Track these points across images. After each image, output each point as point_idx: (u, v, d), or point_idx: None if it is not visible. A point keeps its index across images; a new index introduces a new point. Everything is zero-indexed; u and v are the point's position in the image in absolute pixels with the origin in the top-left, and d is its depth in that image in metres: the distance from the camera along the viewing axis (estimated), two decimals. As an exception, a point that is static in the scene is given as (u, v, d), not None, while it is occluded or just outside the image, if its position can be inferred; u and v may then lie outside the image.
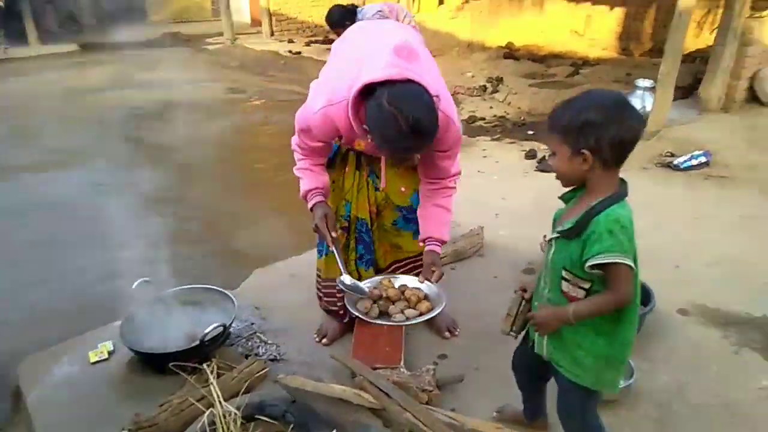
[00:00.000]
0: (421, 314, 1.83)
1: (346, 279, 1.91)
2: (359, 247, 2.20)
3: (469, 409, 1.99)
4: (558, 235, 1.42)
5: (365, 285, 1.94)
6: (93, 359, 2.13)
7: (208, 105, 7.15)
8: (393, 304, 1.89)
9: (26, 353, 2.25)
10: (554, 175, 1.41)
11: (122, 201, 4.22)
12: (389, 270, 2.30)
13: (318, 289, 2.36)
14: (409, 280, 1.99)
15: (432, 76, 1.69)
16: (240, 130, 6.05)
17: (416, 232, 2.20)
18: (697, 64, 7.07)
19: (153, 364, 2.04)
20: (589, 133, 1.29)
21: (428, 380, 2.04)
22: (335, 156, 2.16)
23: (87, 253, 3.44)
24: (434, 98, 1.57)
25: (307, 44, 10.66)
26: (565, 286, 1.41)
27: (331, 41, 10.82)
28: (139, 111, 6.84)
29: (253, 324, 2.44)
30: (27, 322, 2.77)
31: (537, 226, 3.13)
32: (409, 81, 1.53)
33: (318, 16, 12.32)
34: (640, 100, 5.16)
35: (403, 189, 2.15)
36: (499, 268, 2.93)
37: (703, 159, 4.34)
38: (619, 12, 9.67)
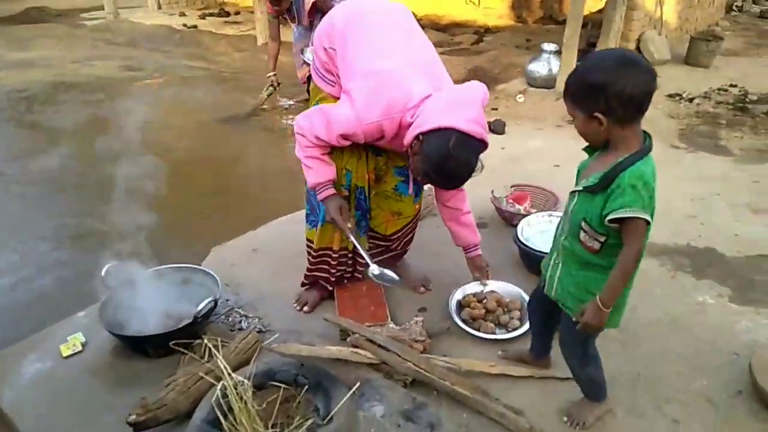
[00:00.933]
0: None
1: (375, 269, 2.10)
2: (357, 214, 2.22)
3: (458, 354, 2.12)
4: (582, 188, 1.46)
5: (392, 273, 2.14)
6: (66, 353, 1.98)
7: (105, 84, 6.57)
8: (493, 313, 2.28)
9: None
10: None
11: (35, 189, 3.86)
12: (392, 238, 2.39)
13: (309, 259, 2.35)
14: (474, 287, 2.41)
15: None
16: (149, 109, 5.65)
17: (416, 195, 2.31)
18: (588, 29, 7.63)
19: (141, 348, 1.94)
20: (596, 95, 1.31)
21: (419, 331, 2.14)
22: None
23: (13, 248, 3.12)
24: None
25: (202, 17, 10.09)
26: (582, 236, 1.49)
27: (227, 14, 10.44)
28: (24, 93, 6.14)
29: (228, 300, 2.38)
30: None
31: (483, 183, 3.34)
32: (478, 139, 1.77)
33: (208, -13, 11.67)
34: (547, 63, 5.53)
35: (402, 150, 2.13)
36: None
37: (608, 114, 4.77)
38: (509, -19, 10.11)
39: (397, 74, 1.85)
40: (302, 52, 4.83)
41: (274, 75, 4.91)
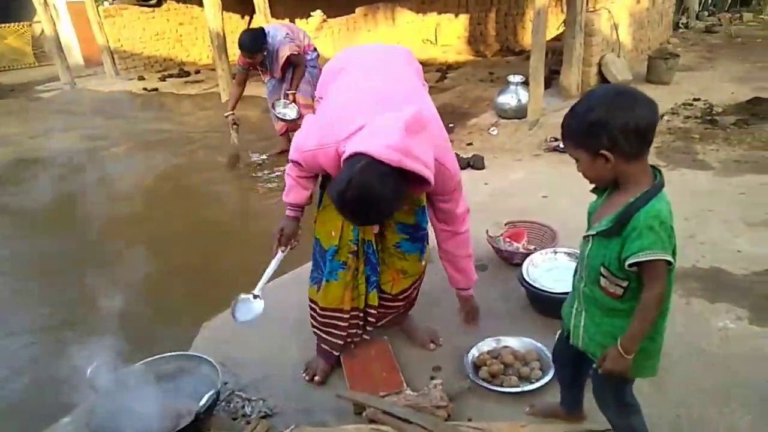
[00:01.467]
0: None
1: (246, 296, 2.11)
2: (366, 269, 2.10)
3: (483, 416, 1.98)
4: (596, 233, 1.40)
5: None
6: (53, 470, 1.76)
7: (69, 158, 6.35)
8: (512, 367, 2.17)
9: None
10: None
11: (2, 278, 3.60)
12: (399, 298, 2.25)
13: (315, 324, 2.19)
14: (488, 344, 2.31)
15: (432, 134, 1.73)
16: (118, 180, 5.46)
17: (422, 252, 2.20)
18: (549, 57, 7.81)
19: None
20: (600, 132, 1.27)
21: (439, 396, 1.99)
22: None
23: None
24: (398, 188, 1.58)
25: (162, 79, 10.01)
26: (603, 282, 1.42)
27: (187, 74, 10.39)
28: (-17, 175, 5.89)
29: (227, 383, 2.19)
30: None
31: (475, 222, 3.26)
32: (394, 168, 1.53)
33: (165, 49, 11.65)
34: (515, 94, 5.58)
35: (405, 207, 2.05)
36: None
37: (583, 139, 4.79)
38: (463, 19, 10.44)
39: (339, 105, 1.84)
40: (273, 106, 4.78)
41: (232, 113, 4.85)
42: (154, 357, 2.02)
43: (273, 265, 2.07)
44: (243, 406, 2.06)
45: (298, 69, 4.51)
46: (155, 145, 6.55)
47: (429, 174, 1.59)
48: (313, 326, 2.22)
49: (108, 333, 2.76)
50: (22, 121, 8.69)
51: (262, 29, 4.42)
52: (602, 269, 1.40)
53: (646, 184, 1.32)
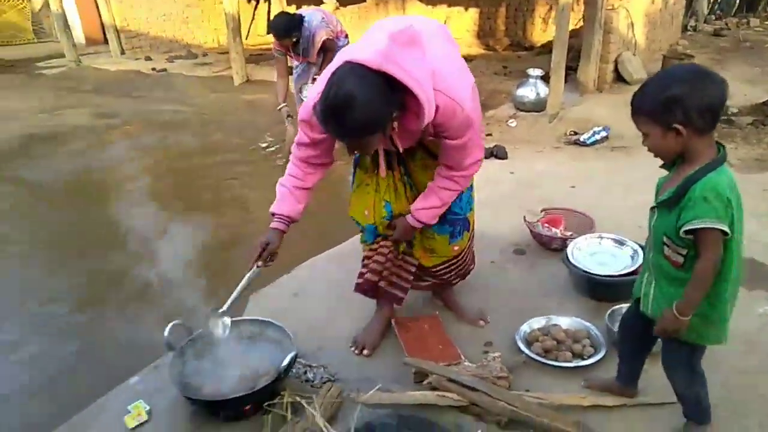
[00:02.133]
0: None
1: (215, 314, 1.92)
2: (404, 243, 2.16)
3: (539, 389, 2.04)
4: (658, 204, 1.50)
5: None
6: (132, 424, 1.79)
7: (81, 134, 6.32)
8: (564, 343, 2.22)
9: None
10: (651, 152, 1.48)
11: (35, 249, 3.60)
12: (431, 271, 2.30)
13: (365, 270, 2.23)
14: (538, 321, 2.35)
15: (433, 64, 1.64)
16: (136, 157, 5.44)
17: (451, 235, 2.21)
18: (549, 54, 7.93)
19: (222, 410, 1.77)
20: (676, 107, 1.34)
21: (499, 367, 2.05)
22: (367, 158, 2.09)
23: (28, 314, 2.87)
24: (379, 93, 1.51)
25: (170, 60, 9.93)
26: (666, 251, 1.50)
27: (195, 56, 10.31)
28: (-6, 148, 5.83)
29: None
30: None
31: (507, 210, 3.33)
32: (376, 72, 1.50)
33: (171, 30, 11.56)
34: (534, 88, 5.65)
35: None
36: (491, 254, 3.01)
37: (603, 134, 4.89)
38: (473, 12, 10.49)
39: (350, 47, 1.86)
40: (301, 90, 4.79)
41: (285, 105, 4.79)
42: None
43: (244, 282, 1.93)
44: (305, 372, 2.10)
45: (329, 54, 4.52)
46: (169, 126, 6.52)
47: (414, 85, 1.53)
48: (370, 271, 2.22)
49: (153, 299, 2.82)
50: (27, 96, 8.59)
51: (297, 13, 4.42)
52: (665, 238, 1.49)
53: (709, 158, 1.40)
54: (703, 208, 1.35)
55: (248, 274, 1.93)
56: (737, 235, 1.42)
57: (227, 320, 1.92)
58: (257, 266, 1.94)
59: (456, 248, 2.25)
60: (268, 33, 12.36)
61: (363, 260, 2.26)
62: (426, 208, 2.00)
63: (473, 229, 2.35)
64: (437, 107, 1.65)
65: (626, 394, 1.97)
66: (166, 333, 1.83)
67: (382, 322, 2.34)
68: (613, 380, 1.99)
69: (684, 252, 1.46)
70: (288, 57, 4.59)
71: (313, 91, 1.77)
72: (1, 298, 3.04)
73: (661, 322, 1.52)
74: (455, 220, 2.18)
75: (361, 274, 2.24)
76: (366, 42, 1.73)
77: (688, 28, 9.33)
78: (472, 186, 2.23)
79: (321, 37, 4.31)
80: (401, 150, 1.87)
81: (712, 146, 1.42)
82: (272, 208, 1.98)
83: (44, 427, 1.90)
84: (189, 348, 1.90)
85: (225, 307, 1.92)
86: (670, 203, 1.44)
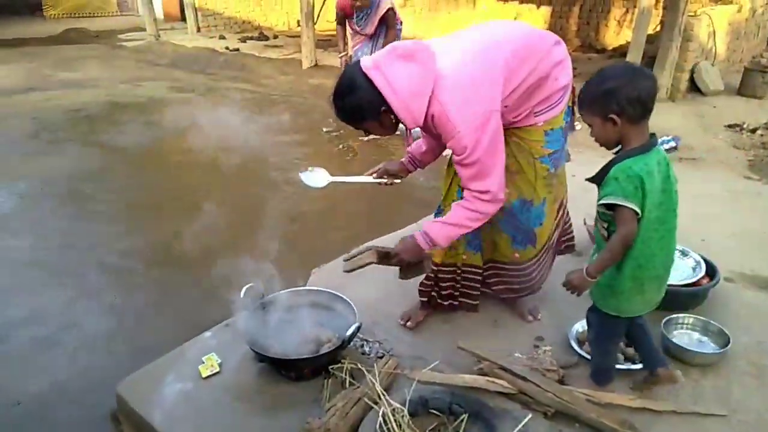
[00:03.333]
0: None
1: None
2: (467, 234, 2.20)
3: (588, 386, 2.08)
4: (587, 180, 1.70)
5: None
6: (205, 373, 1.96)
7: (159, 104, 6.69)
8: None
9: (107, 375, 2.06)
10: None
11: (114, 208, 3.89)
12: (486, 266, 2.33)
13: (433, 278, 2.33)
14: None
15: (442, 77, 1.79)
16: (212, 130, 5.71)
17: (514, 239, 2.21)
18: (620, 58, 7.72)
19: (288, 370, 1.92)
20: (612, 99, 1.54)
21: (549, 361, 2.11)
22: None
23: (105, 267, 3.14)
24: (365, 90, 1.77)
25: (242, 41, 10.29)
26: (598, 224, 1.72)
27: (266, 38, 10.63)
28: (83, 113, 6.26)
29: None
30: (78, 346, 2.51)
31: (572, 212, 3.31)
32: (363, 74, 1.77)
33: (245, 11, 11.93)
34: (604, 92, 5.55)
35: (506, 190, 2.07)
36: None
37: (672, 143, 4.77)
38: (544, 11, 10.30)
39: None
40: None
41: (346, 53, 4.98)
42: (296, 288, 2.21)
43: (356, 178, 2.29)
44: (362, 345, 2.22)
45: (391, 31, 4.62)
46: (239, 103, 6.80)
47: (385, 86, 1.75)
48: (433, 287, 2.35)
49: (222, 264, 3.01)
50: (110, 66, 9.12)
51: None
52: (596, 213, 1.71)
53: (639, 144, 1.58)
54: (613, 186, 1.56)
55: (362, 176, 2.29)
56: (648, 215, 1.58)
57: (323, 173, 2.27)
58: (372, 176, 2.27)
59: (517, 255, 2.25)
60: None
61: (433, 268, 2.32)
62: (439, 222, 1.97)
63: (545, 249, 2.31)
64: (432, 115, 1.80)
65: (664, 379, 1.91)
66: (241, 294, 1.99)
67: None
68: (646, 373, 1.97)
69: (605, 226, 1.67)
70: (347, 28, 4.74)
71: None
72: (86, 250, 3.32)
73: (571, 274, 1.74)
74: (518, 226, 2.18)
75: (427, 291, 2.35)
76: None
77: (775, 40, 8.86)
78: (545, 200, 2.18)
79: (385, 5, 4.42)
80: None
81: (644, 134, 1.59)
82: (408, 148, 2.26)
83: (124, 370, 2.10)
84: (261, 309, 2.05)
85: (333, 177, 2.29)
86: (594, 181, 1.65)
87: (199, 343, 2.16)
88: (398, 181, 2.31)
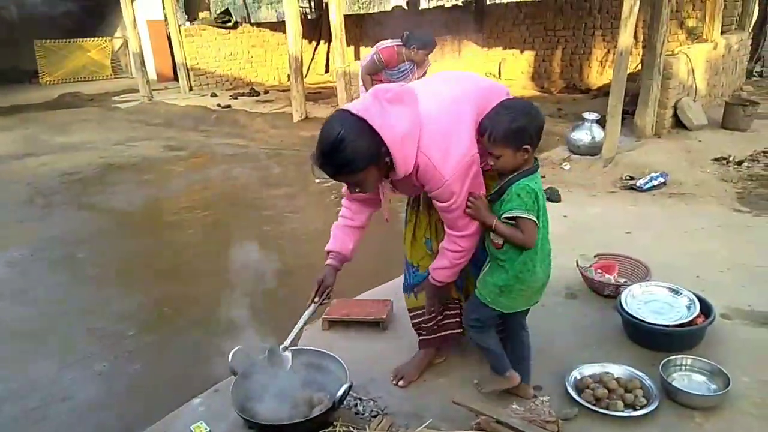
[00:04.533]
0: None
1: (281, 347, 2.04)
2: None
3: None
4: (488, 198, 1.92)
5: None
6: (194, 445, 1.91)
7: (152, 164, 6.77)
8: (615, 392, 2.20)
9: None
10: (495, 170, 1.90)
11: (107, 272, 3.87)
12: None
13: (423, 326, 2.35)
14: (591, 368, 2.33)
15: (426, 124, 1.79)
16: (202, 188, 5.77)
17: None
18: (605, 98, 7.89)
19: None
20: (525, 133, 1.79)
21: (547, 411, 2.06)
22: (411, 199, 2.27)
23: (96, 333, 3.09)
24: (357, 133, 1.68)
25: (234, 97, 10.49)
26: (491, 235, 1.94)
27: (257, 93, 10.87)
28: (77, 176, 6.32)
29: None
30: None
31: (558, 254, 3.32)
32: (353, 116, 1.71)
33: (236, 69, 12.23)
34: (589, 131, 5.65)
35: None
36: (543, 297, 2.99)
37: (661, 180, 4.81)
38: (528, 55, 10.61)
39: None
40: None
41: None
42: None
43: (305, 316, 2.07)
44: (355, 404, 2.17)
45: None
46: (232, 159, 6.89)
47: (383, 128, 1.67)
48: (420, 329, 2.35)
49: (213, 327, 2.96)
50: (104, 128, 9.28)
51: None
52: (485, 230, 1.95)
53: (528, 167, 1.85)
54: (517, 201, 1.83)
55: (307, 311, 2.07)
56: (542, 226, 1.90)
57: (288, 355, 2.02)
58: (315, 302, 2.09)
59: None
60: (326, 72, 12.88)
61: (410, 314, 2.39)
62: (439, 267, 2.06)
63: None
64: (417, 165, 1.78)
65: (519, 388, 2.18)
66: (230, 358, 1.96)
67: (423, 358, 2.41)
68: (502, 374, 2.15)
69: (501, 240, 1.91)
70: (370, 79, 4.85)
71: None
72: (76, 316, 3.28)
73: (479, 212, 1.88)
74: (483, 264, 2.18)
75: (419, 333, 2.40)
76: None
77: (754, 73, 9.11)
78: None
79: (429, 62, 4.69)
80: (401, 193, 2.06)
81: (532, 158, 1.87)
82: (326, 246, 2.16)
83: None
84: (249, 373, 2.01)
85: (286, 343, 2.04)
86: (494, 197, 1.89)
87: (188, 411, 2.11)
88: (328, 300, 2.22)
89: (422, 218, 2.22)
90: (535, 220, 1.85)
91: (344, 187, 2.12)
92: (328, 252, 2.16)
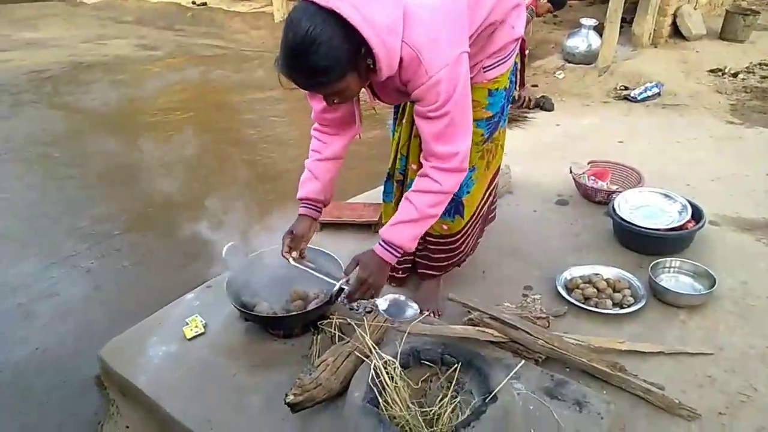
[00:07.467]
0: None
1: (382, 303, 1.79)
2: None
3: (578, 332, 2.07)
4: None
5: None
6: (189, 335, 1.91)
7: (125, 64, 6.40)
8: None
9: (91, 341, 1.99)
10: None
11: (84, 172, 3.74)
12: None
13: None
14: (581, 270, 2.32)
15: (411, 10, 1.43)
16: (180, 89, 5.50)
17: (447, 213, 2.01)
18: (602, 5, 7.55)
19: (275, 328, 1.88)
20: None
21: (539, 309, 2.10)
22: (398, 110, 2.04)
23: (81, 233, 3.02)
24: (330, 32, 1.31)
25: (210, -6, 9.83)
26: None
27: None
28: (46, 74, 5.96)
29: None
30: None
31: (554, 161, 3.29)
32: (323, 8, 1.31)
33: (212, -37, 11.35)
34: (586, 39, 5.45)
35: None
36: (534, 203, 3.00)
37: (655, 90, 4.72)
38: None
39: None
40: None
41: None
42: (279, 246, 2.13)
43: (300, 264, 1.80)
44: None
45: None
46: (211, 60, 6.54)
47: (362, 22, 1.32)
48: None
49: (198, 225, 2.92)
50: (71, 25, 8.69)
51: None
52: None
53: None
54: None
55: (293, 262, 1.80)
56: None
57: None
58: (292, 258, 1.80)
59: (445, 227, 2.08)
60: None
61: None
62: (396, 222, 1.64)
63: (474, 220, 2.14)
64: (401, 59, 1.43)
65: None
66: (223, 253, 1.92)
67: (436, 287, 2.29)
68: None
69: None
70: None
71: None
72: (57, 216, 3.19)
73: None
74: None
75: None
76: None
77: (755, -18, 8.76)
78: (475, 167, 1.96)
79: None
80: (383, 102, 1.68)
81: None
82: (299, 193, 1.84)
83: (105, 335, 2.03)
84: (244, 268, 1.98)
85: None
86: None
87: (182, 305, 2.09)
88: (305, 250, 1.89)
89: (404, 132, 1.98)
90: None
91: (312, 112, 1.79)
92: (301, 199, 1.83)
